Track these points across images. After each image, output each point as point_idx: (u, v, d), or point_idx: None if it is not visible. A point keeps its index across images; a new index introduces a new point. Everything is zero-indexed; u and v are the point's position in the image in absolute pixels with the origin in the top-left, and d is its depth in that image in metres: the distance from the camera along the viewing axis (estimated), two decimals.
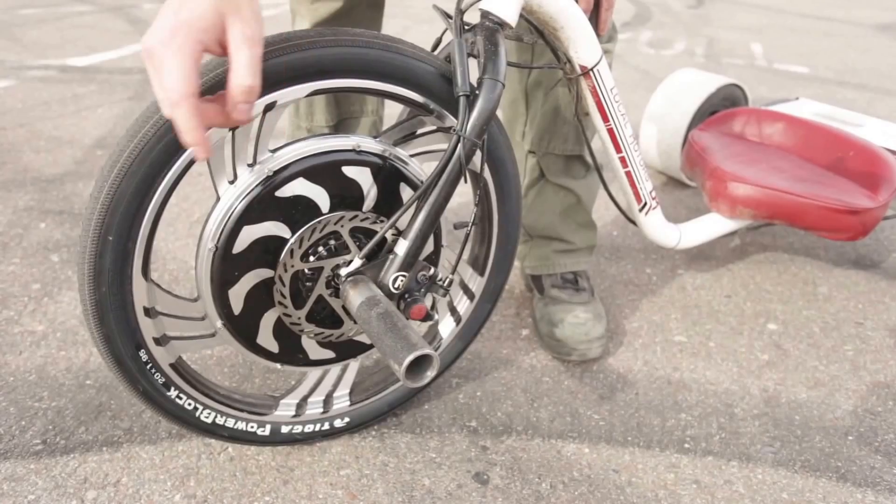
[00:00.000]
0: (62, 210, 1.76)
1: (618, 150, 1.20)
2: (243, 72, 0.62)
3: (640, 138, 2.11)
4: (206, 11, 0.59)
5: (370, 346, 1.07)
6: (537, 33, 1.07)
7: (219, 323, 0.94)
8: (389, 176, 0.95)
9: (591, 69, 1.09)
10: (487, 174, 1.04)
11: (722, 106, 2.04)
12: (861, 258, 1.76)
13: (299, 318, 0.96)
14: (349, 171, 0.92)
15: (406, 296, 0.93)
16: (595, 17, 1.17)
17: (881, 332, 1.47)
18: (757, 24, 4.95)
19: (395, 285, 0.92)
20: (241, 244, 0.89)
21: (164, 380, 0.94)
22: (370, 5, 1.32)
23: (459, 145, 0.88)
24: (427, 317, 0.94)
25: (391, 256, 0.92)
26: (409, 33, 3.99)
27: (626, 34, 4.36)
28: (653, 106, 2.06)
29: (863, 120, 1.99)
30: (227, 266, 0.89)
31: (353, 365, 1.10)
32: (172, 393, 0.96)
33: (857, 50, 4.30)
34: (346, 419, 1.11)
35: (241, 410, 1.03)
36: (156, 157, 0.81)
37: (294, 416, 1.07)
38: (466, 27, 0.95)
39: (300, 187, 0.89)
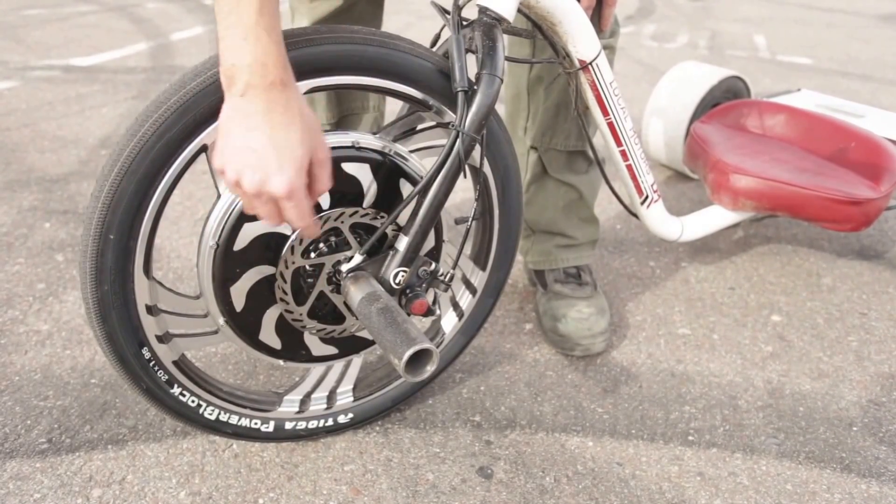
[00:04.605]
0: (67, 210, 1.77)
1: (618, 143, 1.20)
2: (325, 181, 0.82)
3: (643, 131, 2.10)
4: (305, 155, 0.77)
5: (373, 342, 1.07)
6: (535, 28, 1.07)
7: (221, 320, 0.94)
8: (389, 172, 0.95)
9: (590, 63, 1.09)
10: (487, 169, 1.04)
11: (724, 98, 2.04)
12: (865, 249, 1.76)
13: (301, 315, 0.97)
14: (349, 167, 0.92)
15: (407, 291, 0.94)
16: (597, 13, 1.17)
17: (885, 322, 1.47)
18: (760, 16, 4.94)
19: (396, 281, 0.92)
20: (241, 241, 0.89)
21: (167, 377, 0.95)
22: (370, 2, 1.32)
23: (458, 140, 0.88)
24: (429, 312, 0.95)
25: (392, 252, 0.92)
26: (411, 30, 3.99)
27: (629, 28, 4.35)
28: (655, 99, 2.06)
29: (865, 110, 1.99)
30: (228, 263, 0.90)
31: (357, 361, 1.11)
32: (176, 390, 0.96)
33: (860, 40, 4.28)
34: (350, 415, 1.11)
35: (245, 407, 1.03)
36: (156, 156, 0.81)
37: (298, 413, 1.07)
38: (464, 23, 0.95)
39: None
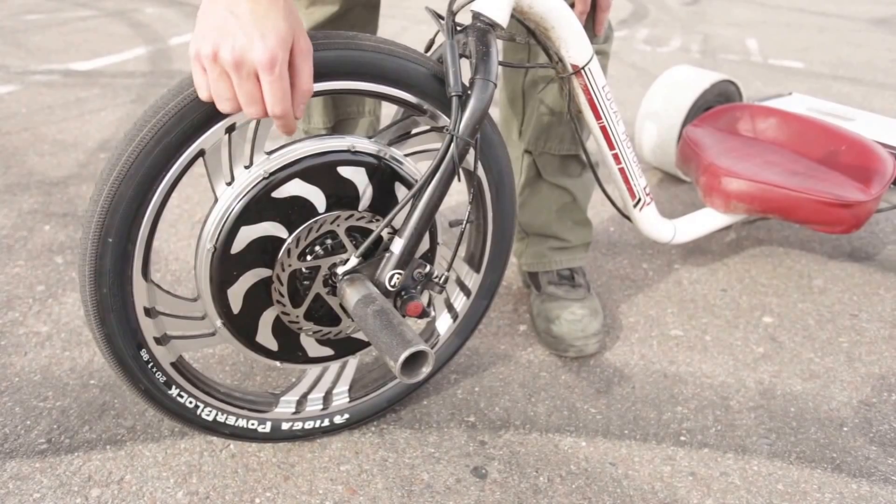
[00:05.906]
0: (66, 212, 1.78)
1: (611, 147, 1.22)
2: (308, 75, 0.78)
3: (636, 135, 2.12)
4: (289, 30, 0.74)
5: (368, 344, 1.08)
6: (529, 33, 1.08)
7: (218, 322, 0.95)
8: (384, 175, 0.96)
9: (583, 68, 1.10)
10: (481, 172, 1.05)
11: (716, 102, 2.05)
12: (856, 251, 1.78)
13: (297, 317, 0.98)
14: (344, 171, 0.93)
15: (402, 293, 0.95)
16: (591, 18, 1.19)
17: (876, 323, 1.49)
18: (752, 20, 4.96)
19: (392, 283, 0.93)
20: (239, 244, 0.90)
21: (165, 378, 0.96)
22: (366, 7, 1.33)
23: (452, 144, 0.89)
24: (423, 314, 0.96)
25: (387, 255, 0.93)
26: (406, 34, 4.00)
27: (622, 32, 4.37)
28: (648, 103, 2.07)
29: (855, 114, 2.00)
30: (225, 266, 0.91)
31: (352, 362, 1.12)
32: (174, 391, 0.97)
33: (851, 44, 4.30)
34: (346, 415, 1.12)
35: (242, 408, 1.04)
36: (154, 160, 0.83)
37: (294, 413, 1.08)
38: (458, 28, 0.96)
39: (296, 188, 0.91)
